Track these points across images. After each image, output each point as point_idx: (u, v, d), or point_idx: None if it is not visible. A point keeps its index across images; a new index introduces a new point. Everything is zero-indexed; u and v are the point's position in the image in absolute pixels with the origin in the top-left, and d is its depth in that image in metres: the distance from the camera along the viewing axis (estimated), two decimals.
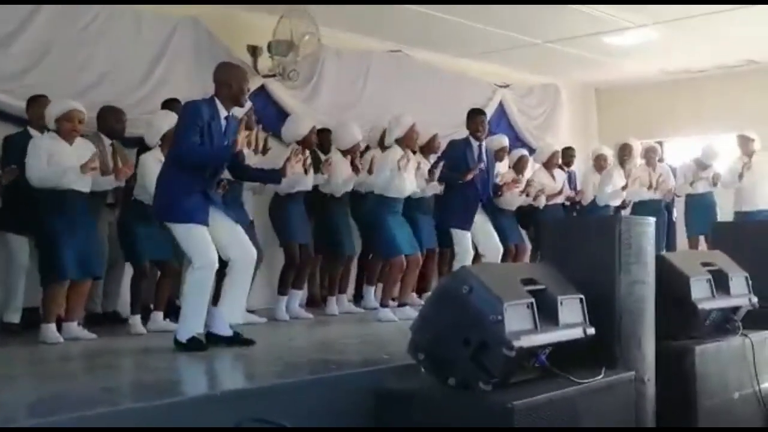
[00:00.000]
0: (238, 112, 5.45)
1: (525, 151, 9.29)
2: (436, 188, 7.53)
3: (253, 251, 5.19)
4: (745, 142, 9.50)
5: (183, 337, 4.99)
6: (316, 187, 7.19)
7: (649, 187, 9.28)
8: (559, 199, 9.08)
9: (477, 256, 7.45)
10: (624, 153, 9.12)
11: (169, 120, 5.94)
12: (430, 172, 7.19)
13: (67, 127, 5.69)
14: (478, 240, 7.16)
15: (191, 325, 4.99)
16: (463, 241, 7.07)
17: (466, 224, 7.06)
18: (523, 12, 8.45)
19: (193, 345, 4.95)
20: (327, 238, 7.42)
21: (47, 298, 5.62)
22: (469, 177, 6.99)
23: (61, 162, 5.59)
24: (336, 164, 7.21)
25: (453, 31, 9.11)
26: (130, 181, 6.10)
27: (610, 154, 9.38)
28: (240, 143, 5.17)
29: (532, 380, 3.72)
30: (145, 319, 6.08)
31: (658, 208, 9.22)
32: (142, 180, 5.99)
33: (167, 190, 5.07)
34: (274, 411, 3.60)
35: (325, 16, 8.08)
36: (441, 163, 7.20)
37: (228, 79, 5.08)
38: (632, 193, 9.23)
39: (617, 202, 9.07)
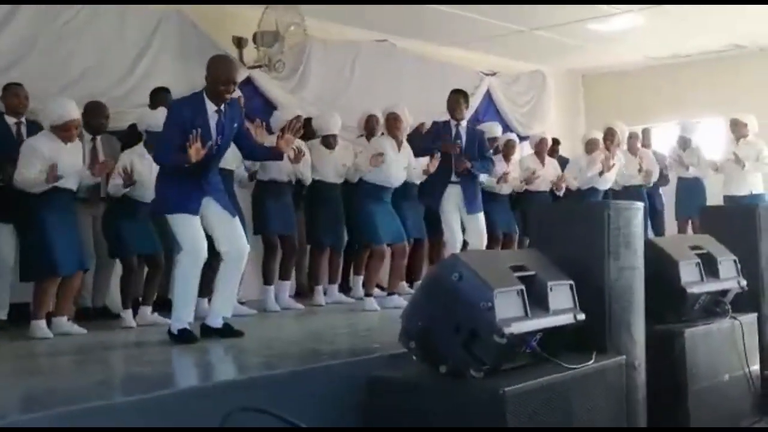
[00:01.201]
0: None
1: (513, 135, 9.32)
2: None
3: (246, 247, 5.20)
4: (737, 125, 9.47)
5: (175, 328, 5.02)
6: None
7: (640, 170, 9.29)
8: (544, 186, 9.09)
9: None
10: (607, 137, 9.08)
11: (156, 118, 5.86)
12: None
13: (62, 136, 5.64)
14: (465, 225, 7.12)
15: (181, 314, 5.02)
16: (447, 219, 7.04)
17: (435, 201, 7.05)
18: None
19: (183, 337, 4.97)
20: (309, 228, 7.43)
21: (39, 293, 5.57)
22: (445, 150, 6.93)
23: (55, 162, 5.53)
24: (319, 154, 7.31)
25: (439, 20, 9.12)
26: (109, 177, 6.08)
27: (600, 138, 9.33)
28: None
29: (523, 367, 3.72)
30: (135, 313, 6.07)
31: (640, 195, 9.22)
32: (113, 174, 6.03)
33: (161, 184, 5.13)
34: (266, 401, 3.59)
35: (310, 7, 8.07)
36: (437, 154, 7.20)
37: (210, 72, 5.06)
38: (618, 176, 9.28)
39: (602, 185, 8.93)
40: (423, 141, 7.26)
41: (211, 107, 5.01)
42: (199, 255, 5.00)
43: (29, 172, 5.51)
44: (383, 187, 7.04)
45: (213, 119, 5.02)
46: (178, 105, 5.18)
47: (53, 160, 5.49)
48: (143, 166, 5.91)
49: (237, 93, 6.49)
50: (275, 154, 5.47)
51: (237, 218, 5.22)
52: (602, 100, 12.32)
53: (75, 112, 5.71)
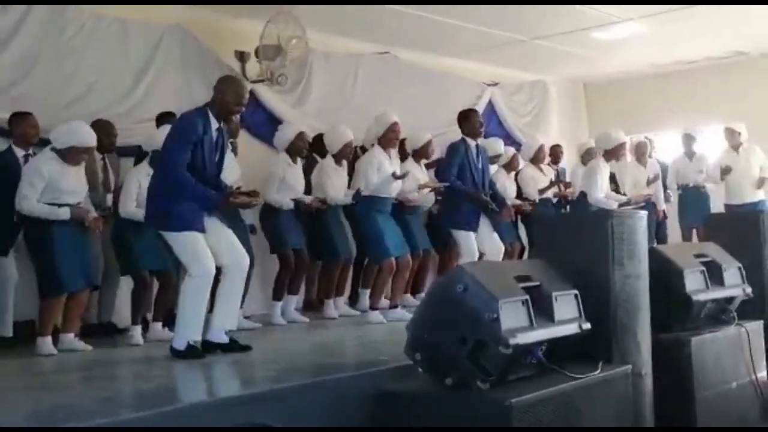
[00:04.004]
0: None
1: (513, 150, 9.35)
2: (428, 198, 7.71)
3: (246, 257, 5.16)
4: (731, 134, 9.47)
5: (180, 345, 4.96)
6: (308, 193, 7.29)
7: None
8: (548, 194, 9.09)
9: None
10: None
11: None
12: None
13: (81, 158, 5.62)
14: (479, 239, 7.07)
15: (188, 333, 4.96)
16: (468, 242, 6.96)
17: (472, 225, 6.96)
18: (509, 9, 8.46)
19: (190, 353, 4.92)
20: (322, 242, 7.42)
21: (44, 311, 5.56)
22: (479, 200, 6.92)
23: (59, 185, 5.52)
24: (329, 174, 7.28)
25: (440, 31, 9.13)
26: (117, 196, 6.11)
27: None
28: None
29: (529, 377, 3.72)
30: (144, 330, 6.06)
31: (647, 206, 9.21)
32: (124, 195, 6.06)
33: (160, 198, 5.02)
34: (273, 416, 3.60)
35: (311, 19, 8.07)
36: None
37: (224, 90, 5.05)
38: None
39: (614, 206, 8.48)
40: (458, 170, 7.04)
41: (214, 124, 5.02)
42: (209, 274, 4.94)
43: (33, 194, 5.47)
44: (384, 198, 7.01)
45: (215, 135, 5.04)
46: (192, 118, 5.04)
47: (54, 182, 5.49)
48: (142, 184, 5.89)
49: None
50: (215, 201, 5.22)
51: (231, 230, 5.17)
52: (604, 108, 12.32)
53: (80, 138, 5.58)
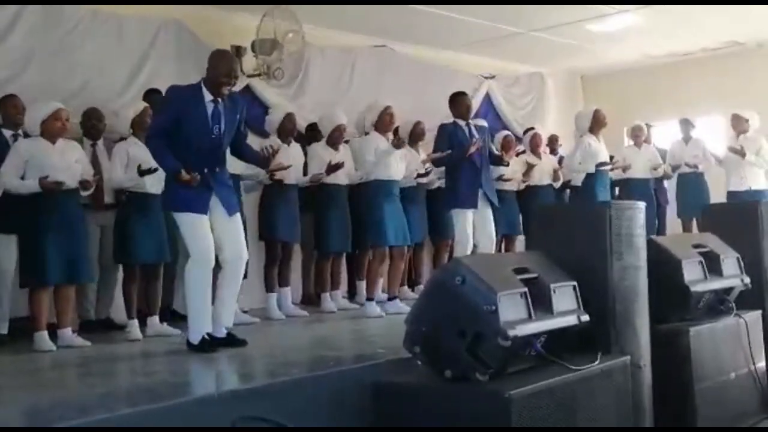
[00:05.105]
0: None
1: (509, 132, 9.38)
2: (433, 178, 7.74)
3: (245, 251, 5.17)
4: (738, 121, 9.45)
5: (195, 339, 4.99)
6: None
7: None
8: (547, 179, 9.08)
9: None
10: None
11: (134, 108, 6.13)
12: (434, 162, 7.21)
13: (56, 126, 5.62)
14: (475, 227, 7.01)
15: (200, 323, 5.00)
16: (463, 222, 6.90)
17: (468, 203, 6.89)
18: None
19: (203, 347, 4.95)
20: (317, 235, 7.41)
21: (33, 304, 5.53)
22: (472, 150, 6.82)
23: (42, 162, 5.52)
24: (313, 156, 7.33)
25: (437, 24, 9.12)
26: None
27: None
28: None
29: (528, 369, 3.72)
30: (142, 324, 6.05)
31: (646, 191, 9.26)
32: (111, 166, 6.15)
33: (169, 180, 5.09)
34: (272, 409, 3.60)
35: (308, 13, 8.08)
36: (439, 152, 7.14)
37: (215, 62, 5.10)
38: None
39: (591, 168, 8.55)
40: (441, 153, 7.02)
41: (207, 96, 5.03)
42: (207, 261, 4.97)
43: (11, 172, 5.52)
44: (390, 182, 7.00)
45: (209, 108, 5.02)
46: (175, 88, 5.18)
47: (36, 159, 5.51)
48: (139, 152, 5.87)
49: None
50: (261, 160, 5.45)
51: (239, 219, 5.18)
52: (602, 99, 12.19)
53: (44, 109, 5.65)
